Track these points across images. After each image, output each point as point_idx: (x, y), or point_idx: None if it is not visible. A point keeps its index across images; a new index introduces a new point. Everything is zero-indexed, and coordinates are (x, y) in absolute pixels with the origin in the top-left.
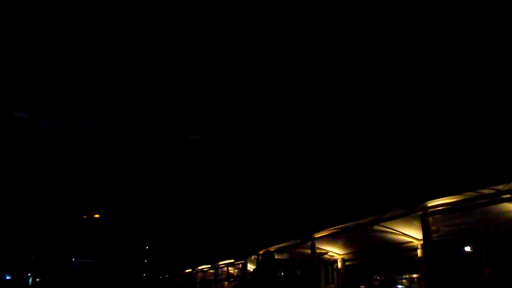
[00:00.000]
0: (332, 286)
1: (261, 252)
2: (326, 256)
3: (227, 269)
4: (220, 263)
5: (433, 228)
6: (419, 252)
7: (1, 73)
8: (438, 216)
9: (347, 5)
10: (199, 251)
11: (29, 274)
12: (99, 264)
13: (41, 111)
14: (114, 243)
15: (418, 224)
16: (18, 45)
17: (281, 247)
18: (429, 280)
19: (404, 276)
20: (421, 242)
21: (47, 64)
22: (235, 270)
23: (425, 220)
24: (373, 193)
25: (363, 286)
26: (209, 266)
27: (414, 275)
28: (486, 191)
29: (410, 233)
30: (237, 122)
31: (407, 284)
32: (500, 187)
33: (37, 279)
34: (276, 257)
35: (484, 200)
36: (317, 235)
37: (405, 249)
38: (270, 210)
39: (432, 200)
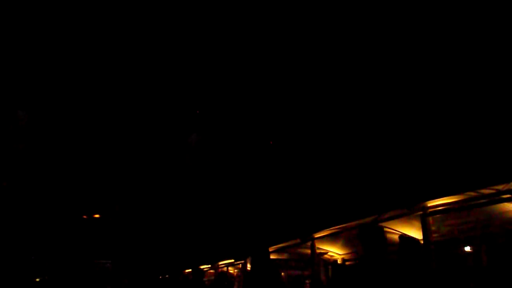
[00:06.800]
0: None
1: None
2: (326, 256)
3: (227, 269)
4: (220, 263)
5: (433, 228)
6: None
7: (1, 72)
8: (438, 216)
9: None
10: (198, 251)
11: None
12: (99, 264)
13: (41, 111)
14: (114, 243)
15: (418, 224)
16: (18, 45)
17: (281, 247)
18: (429, 280)
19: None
20: (421, 242)
21: (47, 64)
22: (235, 270)
23: (425, 220)
24: (373, 193)
25: None
26: (209, 266)
27: None
28: (486, 191)
29: (410, 233)
30: (237, 122)
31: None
32: (500, 187)
33: (37, 279)
34: (276, 257)
35: (484, 200)
36: (317, 235)
37: None
38: (270, 210)
39: (432, 200)
